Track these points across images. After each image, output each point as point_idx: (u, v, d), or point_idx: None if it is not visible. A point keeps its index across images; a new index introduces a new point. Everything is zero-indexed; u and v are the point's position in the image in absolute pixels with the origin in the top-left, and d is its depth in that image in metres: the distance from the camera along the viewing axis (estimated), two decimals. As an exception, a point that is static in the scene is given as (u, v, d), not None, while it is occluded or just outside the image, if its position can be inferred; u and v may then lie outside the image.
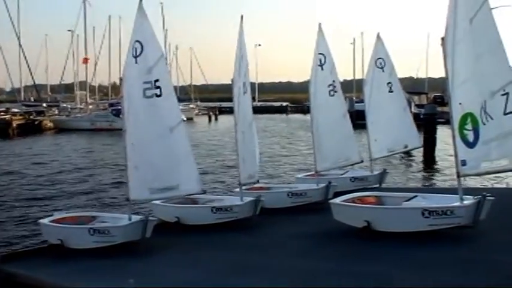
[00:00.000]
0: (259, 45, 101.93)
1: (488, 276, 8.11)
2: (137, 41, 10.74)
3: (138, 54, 10.73)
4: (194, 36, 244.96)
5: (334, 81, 15.32)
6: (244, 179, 13.00)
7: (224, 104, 79.29)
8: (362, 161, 16.17)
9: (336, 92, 15.34)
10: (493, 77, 9.97)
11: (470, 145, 10.18)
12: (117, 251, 10.23)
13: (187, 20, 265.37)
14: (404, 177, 24.23)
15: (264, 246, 10.71)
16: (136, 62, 10.77)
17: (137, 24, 10.84)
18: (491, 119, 9.95)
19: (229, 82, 13.03)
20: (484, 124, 10.02)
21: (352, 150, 15.52)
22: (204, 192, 11.97)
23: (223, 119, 70.42)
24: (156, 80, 10.78)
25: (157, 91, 10.78)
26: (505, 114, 9.89)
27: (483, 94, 10.01)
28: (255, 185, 13.84)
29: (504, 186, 17.42)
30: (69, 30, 70.03)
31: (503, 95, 9.90)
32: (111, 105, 59.24)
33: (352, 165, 16.08)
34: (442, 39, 10.42)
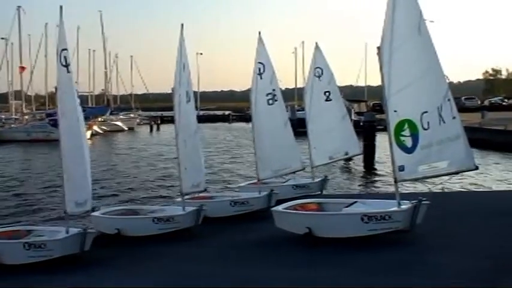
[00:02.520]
0: (201, 53, 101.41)
1: (426, 279, 8.32)
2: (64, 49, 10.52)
3: (68, 63, 10.50)
4: (135, 44, 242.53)
5: (274, 90, 15.32)
6: (187, 188, 12.90)
7: (166, 113, 78.45)
8: (304, 169, 16.32)
9: (276, 100, 15.34)
10: (441, 83, 10.43)
11: (408, 150, 10.46)
12: (54, 266, 9.91)
13: (128, 28, 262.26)
14: (345, 183, 24.68)
15: (207, 256, 10.66)
16: (68, 71, 10.53)
17: (61, 33, 10.66)
18: (444, 122, 10.28)
19: (171, 91, 12.93)
20: (426, 129, 10.31)
21: (294, 158, 15.61)
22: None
23: (166, 128, 69.66)
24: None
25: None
26: (453, 118, 10.30)
27: (439, 98, 10.33)
28: (197, 195, 13.75)
29: (439, 190, 18.02)
30: (2, 38, 67.55)
31: (448, 100, 10.33)
32: (48, 115, 57.50)
33: (294, 172, 16.21)
34: (378, 48, 10.71)
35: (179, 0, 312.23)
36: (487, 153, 31.78)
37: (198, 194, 13.75)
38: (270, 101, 15.25)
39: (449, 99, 10.36)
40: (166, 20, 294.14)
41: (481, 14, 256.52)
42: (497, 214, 12.58)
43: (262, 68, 15.15)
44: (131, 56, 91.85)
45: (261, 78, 15.17)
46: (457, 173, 10.75)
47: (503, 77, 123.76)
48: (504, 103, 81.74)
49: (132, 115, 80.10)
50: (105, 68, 79.63)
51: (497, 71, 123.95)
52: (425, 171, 10.59)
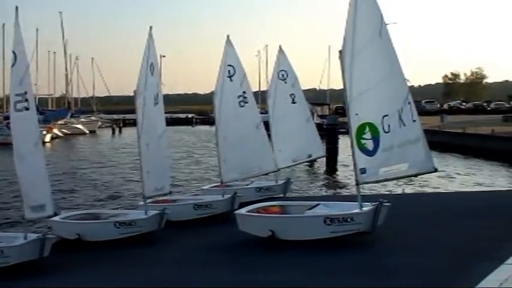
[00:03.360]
0: (164, 56, 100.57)
1: (386, 279, 8.43)
2: (13, 51, 10.28)
3: (13, 64, 10.26)
4: (97, 47, 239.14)
5: (244, 92, 15.17)
6: (150, 192, 12.75)
7: (129, 116, 77.52)
8: (278, 170, 16.23)
9: (246, 102, 15.18)
10: (403, 87, 10.56)
11: (370, 153, 10.58)
12: (11, 273, 9.65)
13: (89, 30, 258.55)
14: (308, 186, 24.85)
15: (171, 260, 10.55)
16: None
17: (17, 34, 10.37)
18: (404, 125, 10.42)
19: (133, 94, 12.77)
20: (387, 132, 10.45)
21: (266, 160, 15.39)
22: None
23: (129, 131, 68.86)
24: (25, 92, 10.25)
25: (26, 104, 10.26)
26: (413, 121, 10.45)
27: (399, 102, 10.46)
28: (160, 198, 13.62)
29: (400, 192, 18.36)
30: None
31: (408, 103, 10.47)
32: (6, 118, 56.06)
33: (266, 174, 16.17)
34: (340, 52, 10.82)
35: (142, 2, 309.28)
36: (447, 156, 32.49)
37: (160, 198, 13.61)
38: (241, 103, 15.13)
39: (409, 103, 10.52)
40: (130, 22, 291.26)
41: (441, 18, 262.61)
42: (456, 215, 12.85)
43: (232, 71, 15.04)
44: (92, 58, 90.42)
45: (231, 80, 15.04)
46: (416, 175, 10.94)
47: (462, 81, 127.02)
48: (462, 106, 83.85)
49: (93, 118, 78.90)
50: (66, 70, 78.37)
51: (456, 75, 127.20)
52: (387, 174, 10.74)
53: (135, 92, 12.69)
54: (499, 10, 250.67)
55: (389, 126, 10.45)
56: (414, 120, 10.52)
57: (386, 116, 10.46)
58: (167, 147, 13.88)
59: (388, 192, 18.94)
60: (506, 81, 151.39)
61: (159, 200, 13.63)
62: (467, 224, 11.69)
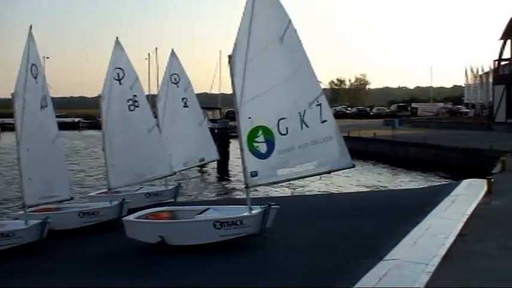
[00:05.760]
0: (48, 57, 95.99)
1: (275, 280, 8.59)
2: None
3: None
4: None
5: (135, 95, 14.71)
6: (33, 200, 12.07)
7: (8, 120, 72.85)
8: (175, 173, 15.93)
9: (137, 106, 14.73)
10: (308, 89, 10.70)
11: (263, 156, 10.72)
12: None
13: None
14: (199, 190, 24.78)
15: (53, 272, 10.10)
16: None
17: None
18: (307, 127, 10.60)
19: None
20: (283, 135, 10.61)
21: (160, 164, 15.01)
22: None
23: (10, 136, 64.80)
24: None
25: None
26: (322, 122, 10.65)
27: (302, 104, 10.62)
28: (42, 206, 12.94)
29: (289, 194, 18.83)
30: None
31: (317, 105, 10.65)
32: None
33: (161, 178, 15.85)
34: (230, 56, 10.89)
35: (24, 1, 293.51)
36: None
37: (43, 206, 12.94)
38: (131, 107, 14.66)
39: (318, 104, 10.65)
40: (11, 22, 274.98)
41: (328, 26, 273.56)
42: (339, 215, 13.37)
43: (122, 73, 14.59)
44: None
45: (120, 83, 14.60)
46: (329, 172, 11.18)
47: (347, 86, 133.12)
48: (348, 111, 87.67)
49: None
50: None
51: (341, 81, 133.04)
52: (287, 174, 10.91)
53: (12, 94, 11.98)
54: (380, 20, 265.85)
55: (287, 128, 10.62)
56: (324, 121, 10.67)
57: (283, 118, 10.61)
58: (63, 151, 13.20)
59: (279, 196, 19.34)
60: (387, 87, 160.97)
61: (41, 209, 12.97)
62: (350, 223, 12.20)
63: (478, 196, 12.65)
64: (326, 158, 10.78)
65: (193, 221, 11.00)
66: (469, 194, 13.39)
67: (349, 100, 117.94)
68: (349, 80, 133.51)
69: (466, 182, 15.54)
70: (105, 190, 15.12)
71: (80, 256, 11.17)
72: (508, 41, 41.99)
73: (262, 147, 10.73)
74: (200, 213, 11.34)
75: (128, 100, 14.68)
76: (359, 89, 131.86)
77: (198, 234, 10.51)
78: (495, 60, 43.71)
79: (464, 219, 10.20)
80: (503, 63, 43.39)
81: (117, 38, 14.70)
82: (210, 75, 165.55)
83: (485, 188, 13.30)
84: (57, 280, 9.51)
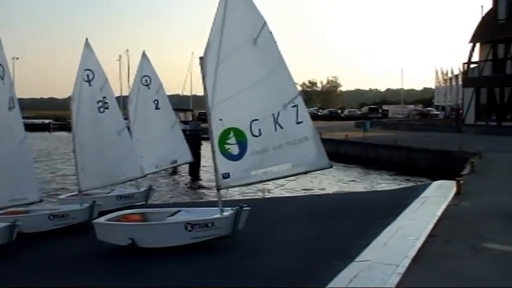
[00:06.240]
0: (17, 58, 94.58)
1: (246, 281, 8.57)
2: None
3: None
4: None
5: (105, 97, 14.63)
6: (1, 203, 11.82)
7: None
8: (145, 176, 15.77)
9: (107, 108, 14.64)
10: (283, 91, 10.68)
11: (235, 158, 10.68)
12: None
13: None
14: (171, 192, 24.66)
15: (20, 275, 9.91)
16: None
17: None
18: (282, 128, 10.59)
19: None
20: (256, 136, 10.57)
21: (131, 166, 14.92)
22: None
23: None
24: None
25: None
26: (298, 123, 10.63)
27: (276, 106, 10.61)
28: (11, 209, 12.70)
29: (260, 196, 18.83)
30: None
31: (293, 106, 10.64)
32: None
33: (132, 180, 15.70)
34: (201, 58, 10.84)
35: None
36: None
37: (12, 209, 12.70)
38: (101, 109, 14.56)
39: (294, 106, 10.64)
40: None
41: (297, 28, 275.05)
42: (318, 217, 13.37)
43: (91, 75, 14.47)
44: None
45: (89, 85, 14.47)
46: (306, 172, 11.16)
47: (319, 88, 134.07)
48: (319, 113, 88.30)
49: None
50: None
51: (313, 83, 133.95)
52: (262, 176, 10.85)
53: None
54: (352, 23, 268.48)
55: (260, 130, 10.59)
56: (300, 122, 10.66)
57: (256, 120, 10.59)
58: (30, 152, 13.00)
59: (253, 197, 19.34)
60: (358, 89, 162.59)
61: (10, 211, 12.73)
62: (322, 225, 12.25)
63: (448, 197, 12.84)
64: (302, 159, 10.81)
65: (164, 223, 10.91)
66: (439, 195, 13.57)
67: (321, 102, 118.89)
68: (321, 82, 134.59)
69: (436, 184, 15.76)
70: (76, 192, 14.94)
71: (49, 259, 11.00)
72: (477, 45, 42.82)
73: (234, 149, 10.70)
74: (171, 216, 11.26)
75: (98, 102, 14.60)
76: (331, 91, 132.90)
77: (169, 236, 10.43)
78: (464, 63, 44.53)
79: (434, 220, 10.32)
80: (472, 66, 44.24)
81: (86, 39, 14.59)
82: (182, 77, 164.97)
83: (454, 190, 13.51)
84: (24, 283, 9.35)
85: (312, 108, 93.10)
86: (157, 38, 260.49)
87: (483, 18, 42.74)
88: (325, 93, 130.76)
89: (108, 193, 16.08)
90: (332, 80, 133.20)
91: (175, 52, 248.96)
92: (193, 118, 54.77)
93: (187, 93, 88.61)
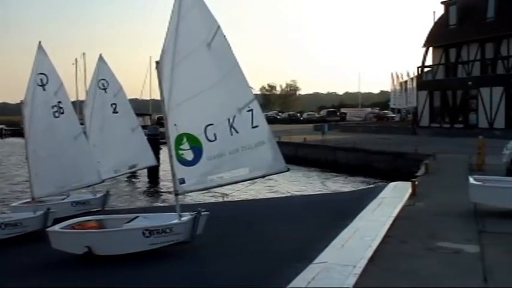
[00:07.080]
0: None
1: (204, 284, 8.56)
2: None
3: None
4: None
5: (60, 102, 14.21)
6: None
7: None
8: (103, 181, 15.38)
9: (62, 113, 14.21)
10: (238, 95, 10.68)
11: (189, 163, 10.63)
12: None
13: None
14: (129, 198, 24.30)
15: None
16: None
17: None
18: (237, 132, 10.56)
19: None
20: (211, 141, 10.54)
21: (87, 172, 14.52)
22: None
23: None
24: None
25: None
26: (253, 127, 10.65)
27: (231, 110, 10.58)
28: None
29: (220, 200, 18.74)
30: None
31: (248, 111, 10.64)
32: None
33: (89, 186, 15.34)
34: (157, 62, 10.75)
35: None
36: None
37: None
38: (56, 114, 14.16)
39: (250, 110, 10.65)
40: None
41: (256, 31, 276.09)
42: (277, 220, 13.44)
43: (45, 79, 14.08)
44: None
45: (44, 89, 14.08)
46: (263, 176, 11.15)
47: (278, 92, 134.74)
48: (278, 117, 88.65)
49: None
50: None
51: (272, 87, 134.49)
52: (219, 180, 10.85)
53: None
54: (310, 27, 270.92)
55: (215, 135, 10.57)
56: (256, 126, 10.69)
57: (211, 125, 10.56)
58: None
59: (212, 201, 19.24)
60: (316, 93, 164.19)
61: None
62: (281, 227, 12.30)
63: (403, 198, 13.08)
64: (259, 163, 10.84)
65: (121, 229, 10.76)
66: (395, 196, 13.82)
67: (280, 105, 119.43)
68: (280, 86, 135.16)
69: (392, 185, 16.05)
70: (29, 200, 14.55)
71: (3, 269, 10.65)
72: (430, 49, 43.87)
73: (188, 155, 10.65)
74: (129, 222, 11.11)
75: (53, 106, 14.21)
76: (289, 94, 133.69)
77: (126, 243, 10.29)
78: (419, 67, 45.53)
79: (390, 221, 10.50)
80: (426, 69, 45.28)
81: (39, 42, 14.20)
82: (140, 81, 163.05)
83: (409, 190, 13.77)
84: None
85: (271, 112, 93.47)
86: (115, 42, 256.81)
87: (435, 23, 43.85)
88: (284, 97, 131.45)
89: (63, 199, 15.72)
90: (291, 84, 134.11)
91: (134, 56, 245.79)
92: (151, 122, 54.18)
93: (146, 97, 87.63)
